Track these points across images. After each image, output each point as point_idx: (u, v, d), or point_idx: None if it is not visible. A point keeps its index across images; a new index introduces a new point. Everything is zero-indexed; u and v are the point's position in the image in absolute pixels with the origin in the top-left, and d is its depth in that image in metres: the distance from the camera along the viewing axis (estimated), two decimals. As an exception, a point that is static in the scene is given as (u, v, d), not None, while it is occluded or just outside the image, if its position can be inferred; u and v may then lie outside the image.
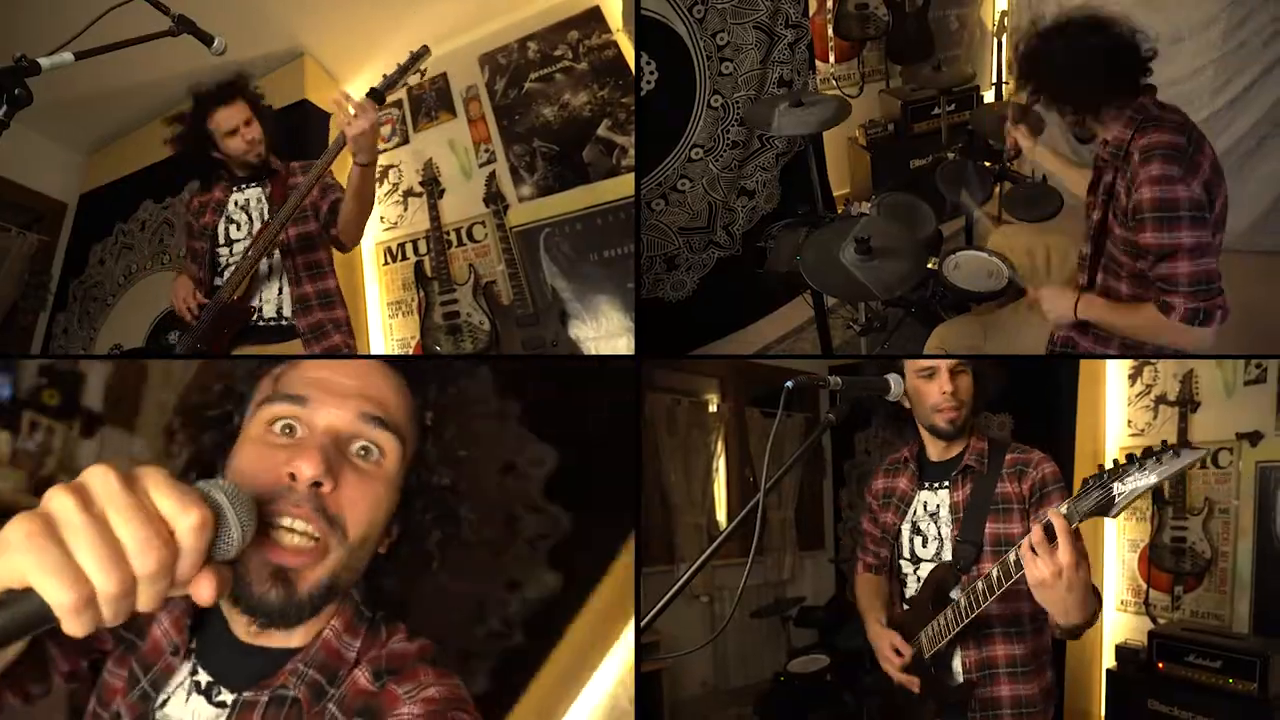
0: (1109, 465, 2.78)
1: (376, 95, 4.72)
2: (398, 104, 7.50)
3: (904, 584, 3.89)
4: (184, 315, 5.18)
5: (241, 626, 2.22)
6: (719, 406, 8.29)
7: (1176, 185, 3.67)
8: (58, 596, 1.38)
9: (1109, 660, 6.03)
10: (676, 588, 2.69)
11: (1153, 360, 6.10)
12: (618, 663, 4.09)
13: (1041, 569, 2.84)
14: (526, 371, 4.55)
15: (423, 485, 2.40)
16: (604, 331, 6.45)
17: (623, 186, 6.45)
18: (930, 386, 3.70)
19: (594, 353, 6.41)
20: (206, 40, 4.54)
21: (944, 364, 3.73)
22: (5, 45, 3.70)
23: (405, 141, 7.49)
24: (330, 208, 5.16)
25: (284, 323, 5.21)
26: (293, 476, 2.07)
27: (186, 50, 4.48)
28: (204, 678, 2.23)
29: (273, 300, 5.23)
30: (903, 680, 3.72)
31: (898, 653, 3.75)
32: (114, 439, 5.93)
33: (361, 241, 5.68)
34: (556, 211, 6.73)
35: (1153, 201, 3.71)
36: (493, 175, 6.96)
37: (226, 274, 5.18)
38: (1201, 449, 2.63)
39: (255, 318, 5.22)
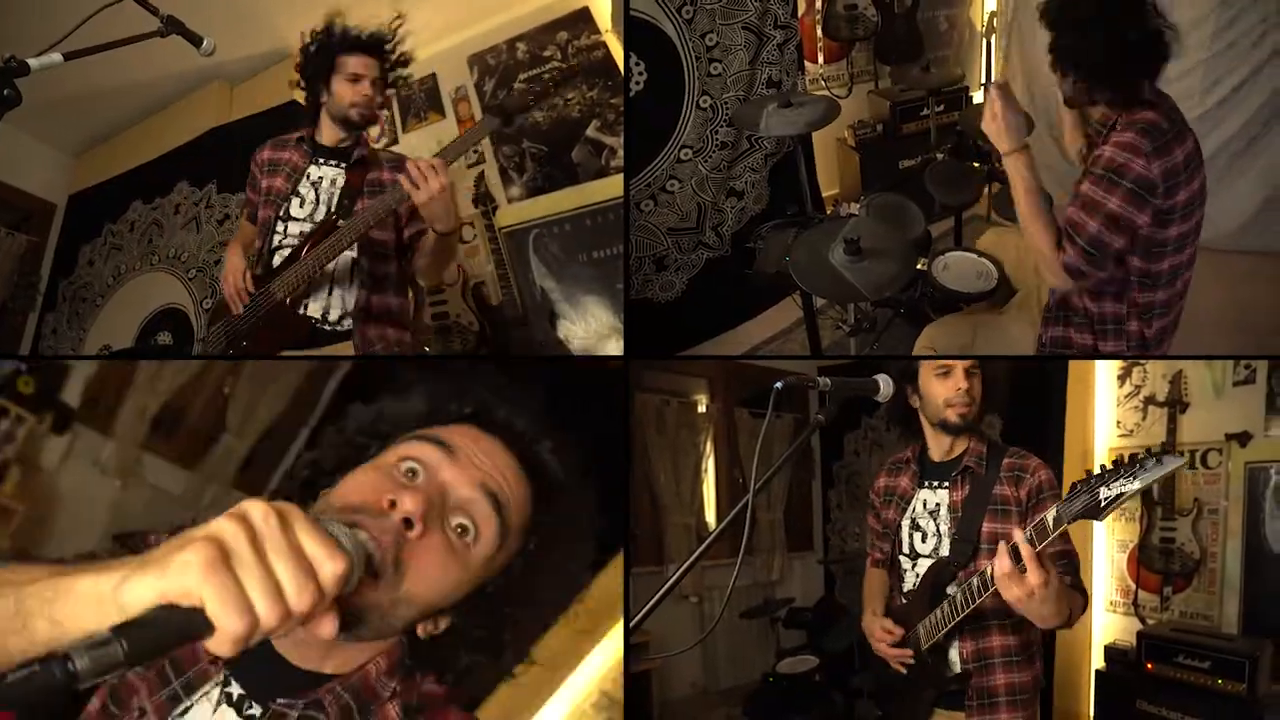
0: (1097, 466, 2.84)
1: (447, 154, 4.45)
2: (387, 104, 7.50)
3: (902, 578, 3.95)
4: (232, 302, 4.78)
5: (284, 641, 2.19)
6: (708, 407, 8.30)
7: (1136, 158, 3.72)
8: (230, 625, 1.49)
9: (1098, 661, 6.03)
10: (665, 588, 2.68)
11: (1142, 361, 6.10)
12: (604, 660, 4.09)
13: (1014, 591, 2.99)
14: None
15: (491, 602, 2.32)
16: (593, 332, 6.46)
17: (612, 187, 6.46)
18: (946, 383, 3.78)
19: (583, 353, 6.41)
20: (195, 41, 4.53)
21: (960, 363, 3.81)
22: (-6, 46, 3.70)
23: (394, 142, 7.49)
24: (413, 237, 4.84)
25: (341, 327, 4.79)
26: (392, 504, 2.07)
27: (175, 51, 4.47)
28: (236, 690, 2.19)
29: (321, 301, 4.79)
30: (894, 655, 3.80)
31: (889, 633, 3.82)
32: (86, 439, 5.91)
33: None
34: (545, 212, 6.74)
35: (1108, 161, 3.78)
36: (481, 176, 6.96)
37: (279, 253, 4.81)
38: (1182, 457, 2.72)
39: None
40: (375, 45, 4.96)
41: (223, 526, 1.56)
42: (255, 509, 1.59)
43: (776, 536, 8.65)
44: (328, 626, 1.70)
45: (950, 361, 3.81)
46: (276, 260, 4.78)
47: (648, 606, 2.67)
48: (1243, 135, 6.49)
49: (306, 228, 4.79)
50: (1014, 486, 3.70)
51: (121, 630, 1.45)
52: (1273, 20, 6.31)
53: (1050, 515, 2.99)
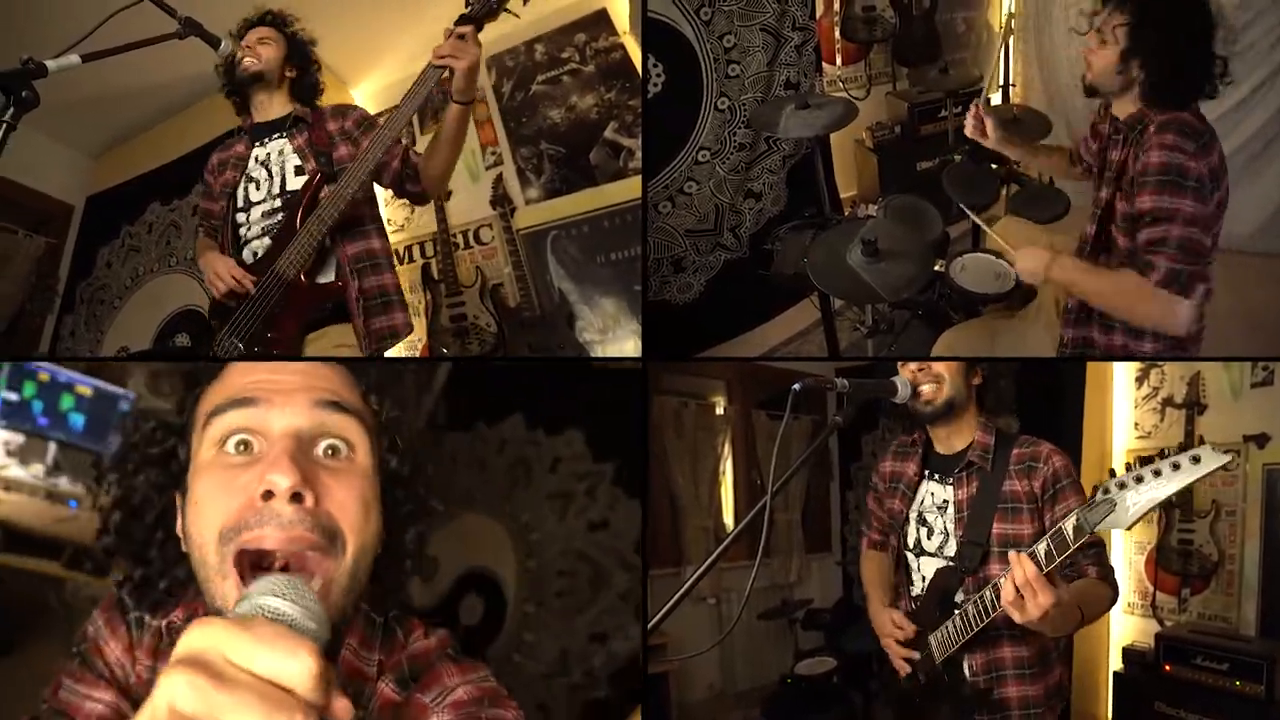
0: (1119, 468, 2.72)
1: (476, 22, 4.51)
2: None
3: (910, 577, 3.85)
4: (224, 291, 4.55)
5: None
6: (726, 409, 8.29)
7: (1187, 157, 3.66)
8: None
9: (1116, 663, 6.02)
10: (684, 590, 2.69)
11: (1160, 363, 6.09)
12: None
13: (1022, 615, 2.90)
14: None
15: (393, 479, 2.19)
16: (611, 334, 6.46)
17: (629, 189, 6.46)
18: (905, 372, 3.64)
19: (601, 355, 6.42)
20: (213, 43, 4.54)
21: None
22: (12, 48, 3.71)
23: (412, 144, 7.49)
24: (402, 161, 4.84)
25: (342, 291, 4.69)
26: (268, 495, 1.88)
27: (193, 53, 4.48)
28: None
29: (332, 271, 4.71)
30: (901, 654, 3.73)
31: (900, 630, 3.73)
32: None
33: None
34: (563, 214, 6.74)
35: (1160, 165, 3.69)
36: (500, 178, 6.97)
37: (253, 243, 4.72)
38: (1223, 455, 2.56)
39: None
40: (264, 19, 5.13)
41: (172, 696, 1.21)
42: (178, 690, 1.21)
43: (794, 538, 8.64)
44: (341, 710, 1.34)
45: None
46: (247, 253, 4.73)
47: (666, 608, 2.68)
48: (1260, 137, 6.48)
49: (270, 205, 4.78)
50: (1025, 479, 3.53)
51: None
52: (1292, 22, 6.31)
53: (1070, 524, 2.84)
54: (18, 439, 6.18)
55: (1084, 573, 3.37)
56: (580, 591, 4.25)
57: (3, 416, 6.10)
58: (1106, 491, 2.74)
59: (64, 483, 6.19)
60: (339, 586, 1.93)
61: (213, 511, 1.92)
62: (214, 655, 1.25)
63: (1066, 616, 2.99)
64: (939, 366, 3.64)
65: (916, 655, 3.67)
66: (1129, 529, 2.77)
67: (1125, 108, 4.01)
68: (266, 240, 4.69)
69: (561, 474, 4.38)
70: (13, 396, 6.11)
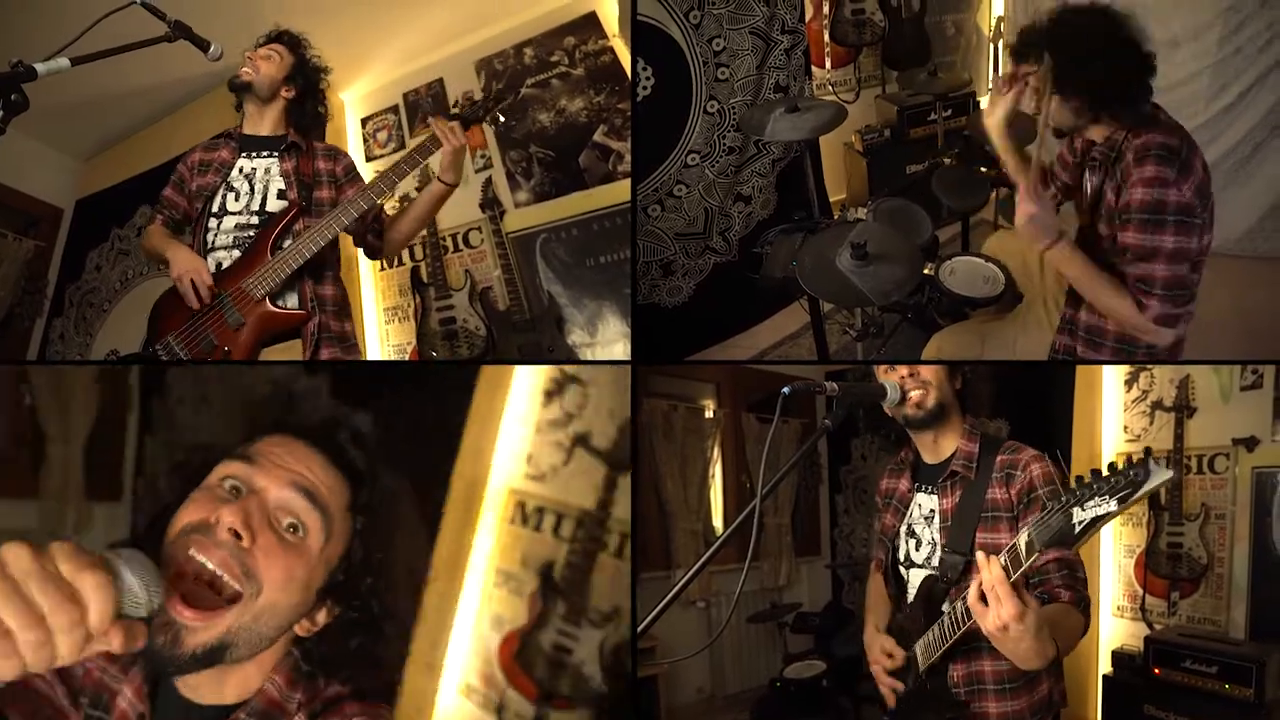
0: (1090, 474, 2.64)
1: (462, 122, 4.84)
2: (394, 109, 7.50)
3: (903, 590, 3.77)
4: (189, 297, 4.66)
5: (180, 682, 2.44)
6: (715, 412, 8.30)
7: (1168, 188, 3.70)
8: None
9: (1105, 666, 6.03)
10: (673, 593, 2.69)
11: (1149, 366, 6.10)
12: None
13: (988, 622, 2.79)
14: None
15: (351, 586, 2.54)
16: (600, 337, 6.46)
17: (619, 192, 6.45)
18: (891, 375, 3.59)
19: (590, 358, 6.42)
20: (203, 46, 4.54)
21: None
22: (1, 51, 3.71)
23: (401, 147, 7.48)
24: (374, 218, 5.04)
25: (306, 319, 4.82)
26: (218, 522, 2.28)
27: (183, 56, 4.48)
28: None
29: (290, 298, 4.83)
30: (886, 684, 3.66)
31: (890, 657, 3.64)
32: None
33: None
34: (553, 217, 6.73)
35: (1142, 203, 3.74)
36: (489, 181, 6.96)
37: (219, 253, 4.83)
38: (1168, 471, 2.49)
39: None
40: (272, 36, 5.20)
41: None
42: (9, 549, 1.79)
43: (784, 541, 8.64)
44: (115, 640, 1.87)
45: None
46: (210, 260, 4.79)
47: (655, 611, 2.68)
48: (1248, 141, 6.50)
49: (244, 220, 4.85)
50: (1005, 487, 3.46)
51: None
52: (1278, 26, 6.31)
53: (1023, 540, 2.73)
54: None
55: (1056, 596, 3.29)
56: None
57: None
58: (1059, 507, 2.64)
59: None
60: (239, 619, 2.29)
61: (188, 514, 2.34)
62: (50, 549, 1.83)
63: (1036, 639, 2.79)
64: (926, 372, 3.59)
65: (902, 686, 3.60)
66: (1075, 547, 2.64)
67: (1098, 131, 4.05)
68: (236, 253, 4.78)
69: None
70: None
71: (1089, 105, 3.93)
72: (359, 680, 2.60)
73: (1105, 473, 2.56)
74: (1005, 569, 2.75)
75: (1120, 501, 2.49)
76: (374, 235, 5.07)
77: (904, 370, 3.60)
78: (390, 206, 5.36)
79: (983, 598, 2.79)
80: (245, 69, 4.97)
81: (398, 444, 2.82)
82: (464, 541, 4.45)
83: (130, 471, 5.61)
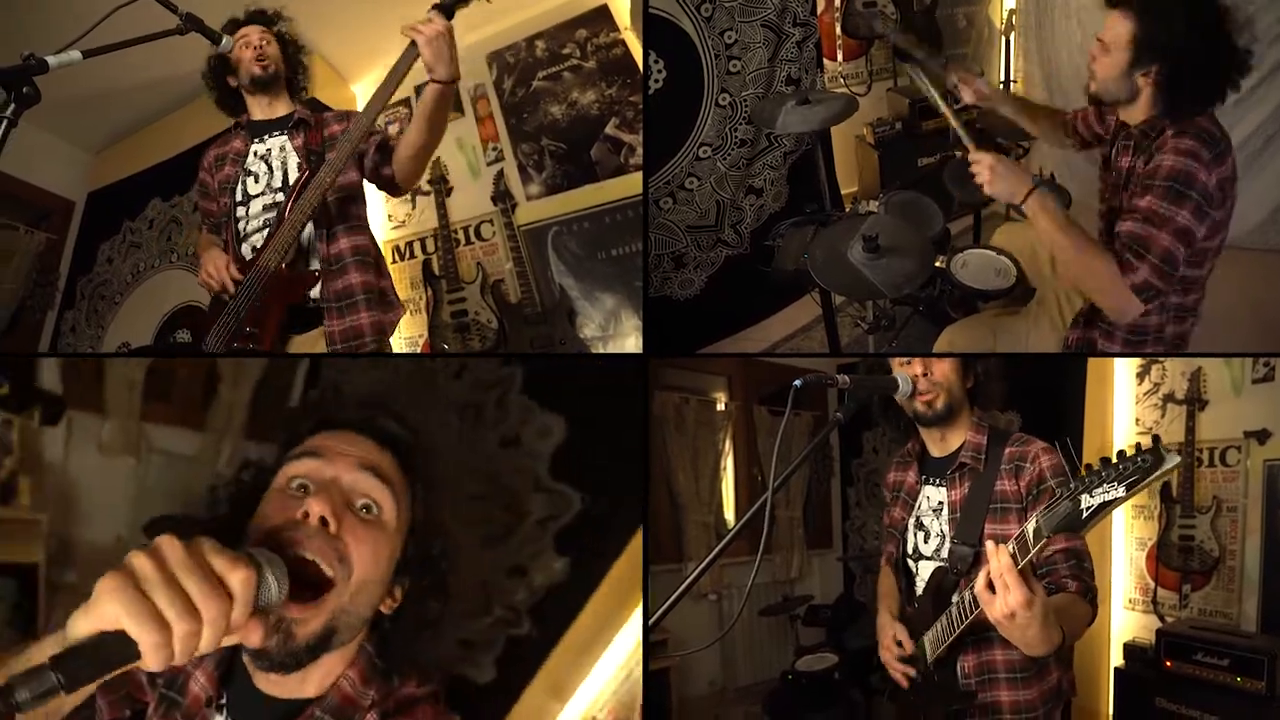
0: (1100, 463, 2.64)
1: (446, 10, 4.51)
2: (405, 102, 7.50)
3: (912, 582, 3.78)
4: (216, 288, 4.64)
5: (260, 677, 2.48)
6: (727, 405, 8.29)
7: (1199, 166, 3.64)
8: (145, 636, 1.78)
9: (1117, 658, 6.02)
10: (685, 586, 2.69)
11: (1160, 359, 6.09)
12: (624, 650, 4.08)
13: (995, 610, 2.78)
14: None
15: (420, 554, 2.64)
16: (612, 330, 6.46)
17: (630, 185, 6.46)
18: (906, 371, 3.59)
19: (602, 351, 6.42)
20: (214, 39, 4.56)
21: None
22: (13, 44, 3.71)
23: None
24: (378, 148, 4.87)
25: (311, 304, 4.75)
26: (305, 516, 2.37)
27: (194, 49, 4.49)
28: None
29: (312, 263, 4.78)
30: (898, 670, 3.66)
31: (899, 645, 3.66)
32: (82, 423, 5.88)
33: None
34: (564, 210, 6.74)
35: (1171, 170, 3.67)
36: (501, 174, 6.97)
37: (252, 238, 4.78)
38: (1176, 457, 2.48)
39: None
40: (253, 16, 5.11)
41: (133, 558, 1.86)
42: (163, 540, 1.90)
43: (795, 534, 8.64)
44: (254, 633, 2.06)
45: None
46: (246, 248, 4.76)
47: (667, 604, 2.68)
48: (1260, 134, 6.48)
49: (269, 200, 4.81)
50: (1014, 479, 3.47)
51: (57, 660, 1.72)
52: (1290, 18, 6.30)
53: (1030, 527, 2.74)
54: None
55: (1063, 586, 3.29)
56: (494, 521, 4.18)
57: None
58: (1067, 494, 2.65)
59: None
60: (339, 602, 2.38)
61: (266, 520, 2.41)
62: (194, 544, 1.94)
63: (1043, 627, 2.79)
64: (939, 372, 3.60)
65: (913, 671, 3.60)
66: (1082, 533, 2.68)
67: (1135, 115, 3.96)
68: (265, 231, 4.73)
69: (466, 382, 4.28)
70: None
71: (1163, 85, 3.82)
72: (430, 672, 2.70)
73: (1114, 460, 2.58)
74: (1013, 556, 2.75)
75: (1129, 488, 2.51)
76: (385, 166, 4.87)
77: (919, 367, 3.59)
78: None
79: (991, 586, 2.78)
80: (257, 62, 4.93)
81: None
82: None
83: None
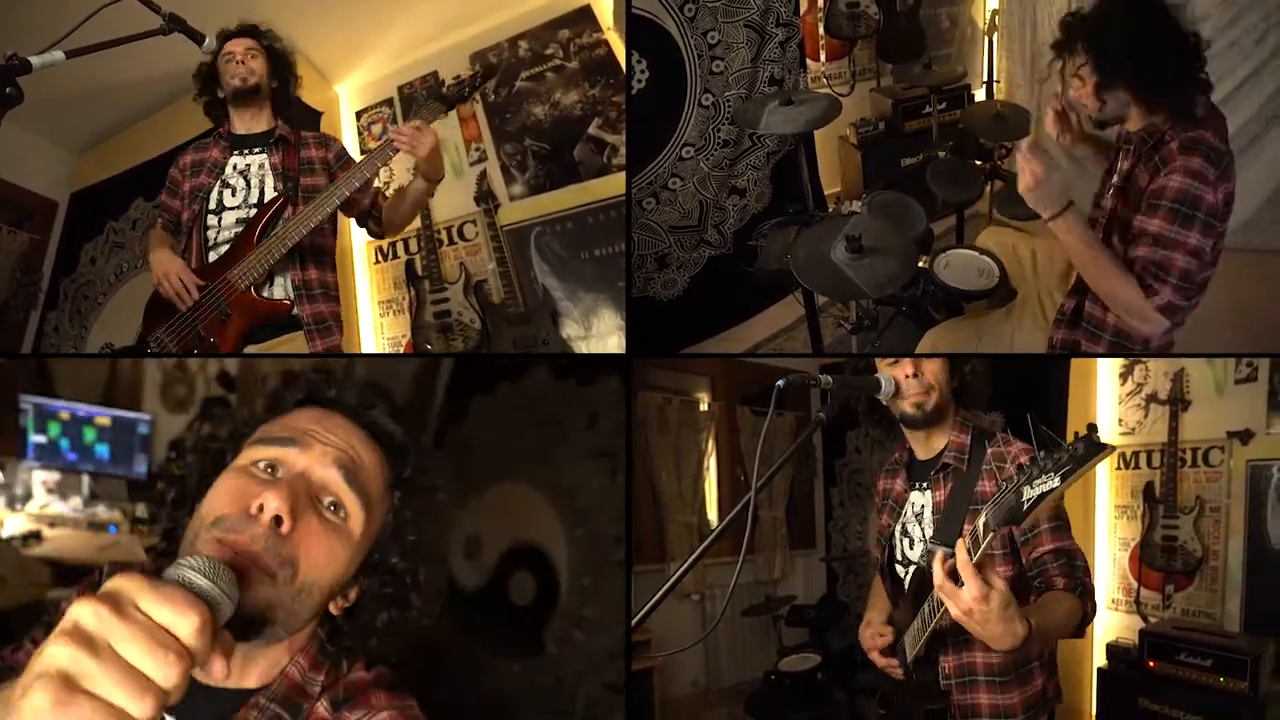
0: (1098, 465, 2.63)
1: (448, 103, 4.90)
2: (388, 102, 7.50)
3: (902, 588, 3.74)
4: (174, 298, 4.70)
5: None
6: (710, 405, 8.31)
7: (1206, 188, 3.71)
8: None
9: (1100, 659, 6.04)
10: (667, 586, 2.68)
11: (1144, 359, 6.10)
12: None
13: (955, 607, 2.74)
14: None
15: (383, 562, 2.45)
16: (595, 330, 6.46)
17: (614, 185, 6.46)
18: (895, 372, 3.59)
19: (584, 351, 6.42)
20: (197, 39, 4.55)
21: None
22: (-4, 43, 3.70)
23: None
24: (372, 200, 5.13)
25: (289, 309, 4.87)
26: (260, 510, 2.15)
27: (177, 49, 4.48)
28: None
29: (278, 287, 4.90)
30: (881, 664, 3.66)
31: (880, 636, 3.65)
32: None
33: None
34: (547, 210, 6.74)
35: (1179, 191, 3.73)
36: (484, 174, 6.97)
37: (221, 247, 4.84)
38: (1109, 446, 2.48)
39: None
40: (248, 30, 5.17)
41: (56, 653, 1.47)
42: (83, 612, 1.51)
43: (778, 534, 8.66)
44: (218, 669, 1.69)
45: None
46: (213, 255, 4.83)
47: (649, 604, 2.68)
48: (1245, 134, 6.49)
49: (244, 214, 4.89)
50: (993, 480, 3.44)
51: None
52: (1274, 18, 6.32)
53: (980, 520, 2.70)
54: (53, 476, 6.83)
55: (1051, 584, 3.27)
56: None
57: (36, 459, 6.67)
58: (1011, 486, 2.61)
59: (102, 510, 6.80)
60: (280, 605, 2.16)
61: (218, 502, 2.19)
62: (124, 596, 1.56)
63: (1004, 621, 2.72)
64: (929, 373, 3.60)
65: (896, 663, 3.59)
66: (1022, 524, 2.57)
67: (1136, 120, 4.03)
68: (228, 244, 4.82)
69: (601, 430, 4.30)
70: (41, 439, 6.67)
71: (1135, 92, 3.93)
72: (384, 656, 2.51)
73: (1053, 451, 2.55)
74: (969, 551, 2.73)
75: (1063, 478, 2.47)
76: (374, 222, 5.15)
77: (909, 368, 3.59)
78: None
79: (955, 581, 2.76)
80: (239, 74, 4.99)
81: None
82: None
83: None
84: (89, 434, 6.82)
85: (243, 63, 5.00)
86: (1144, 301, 3.79)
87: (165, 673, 1.51)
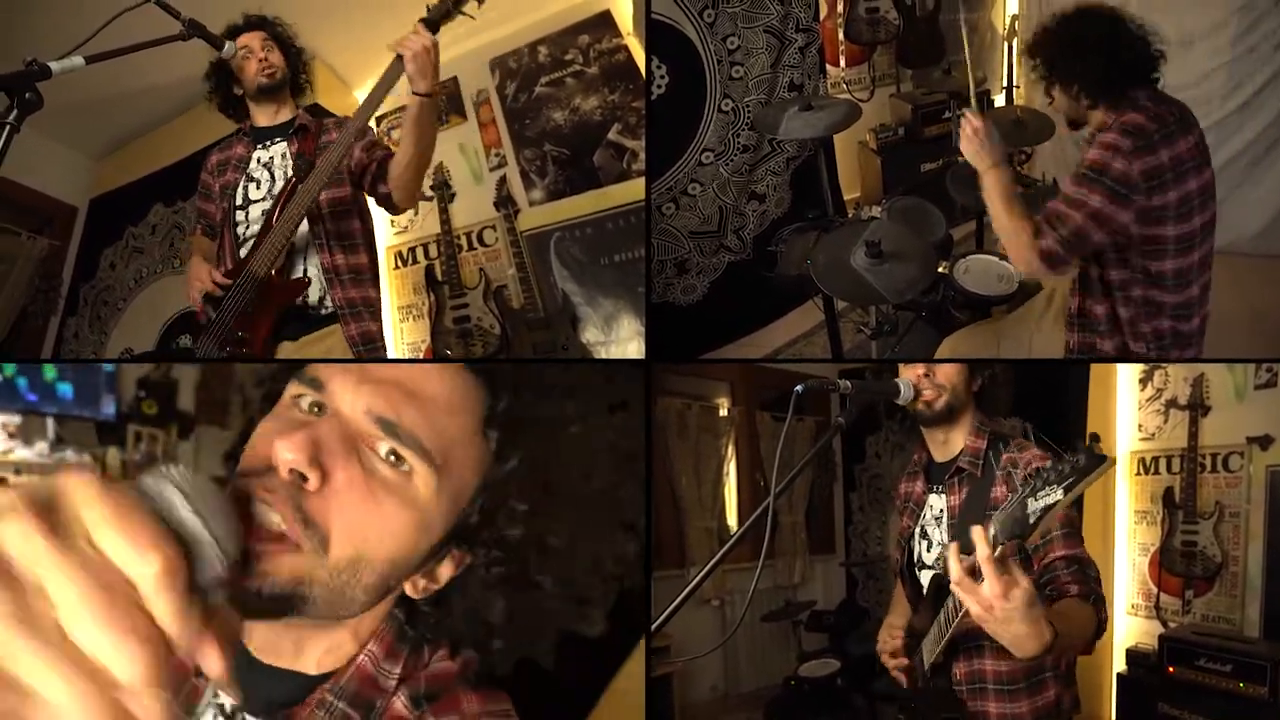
0: (1118, 470, 2.67)
1: (432, 25, 4.63)
2: (404, 109, 7.52)
3: (920, 591, 3.74)
4: (199, 298, 4.63)
5: (253, 641, 1.86)
6: (729, 410, 8.30)
7: (1117, 157, 3.91)
8: None
9: (1120, 664, 6.03)
10: (687, 591, 2.69)
11: (1163, 364, 6.09)
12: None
13: (974, 605, 2.63)
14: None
15: (487, 528, 1.91)
16: (615, 335, 6.46)
17: (633, 190, 6.46)
18: (908, 373, 3.62)
19: (604, 357, 6.42)
20: (217, 44, 4.55)
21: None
22: (16, 49, 3.71)
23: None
24: (379, 165, 4.84)
25: (324, 310, 4.79)
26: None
27: (197, 54, 4.50)
28: (228, 702, 1.86)
29: (299, 271, 4.81)
30: (891, 665, 3.69)
31: (892, 637, 3.70)
32: (209, 436, 6.09)
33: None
34: (567, 215, 6.74)
35: (1090, 161, 4.00)
36: (503, 179, 6.97)
37: (250, 242, 4.77)
38: (1107, 458, 2.46)
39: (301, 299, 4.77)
40: (257, 23, 5.12)
41: None
42: (8, 533, 1.01)
43: (798, 539, 8.64)
44: (211, 661, 1.14)
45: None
46: (244, 251, 4.78)
47: (669, 610, 2.68)
48: (1263, 140, 6.49)
49: (268, 206, 4.82)
50: (1007, 485, 3.38)
51: None
52: (1294, 23, 6.31)
53: (991, 532, 2.57)
54: (14, 420, 6.30)
55: (1064, 591, 3.22)
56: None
57: (-6, 401, 6.16)
58: (1018, 499, 2.55)
59: (70, 456, 6.37)
60: (316, 582, 1.67)
61: (248, 452, 1.75)
62: (68, 510, 1.06)
63: (1028, 622, 2.61)
64: (943, 374, 3.61)
65: (905, 662, 3.61)
66: (1027, 538, 2.51)
67: (1097, 117, 4.23)
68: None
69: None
70: (-6, 379, 6.15)
71: (1086, 93, 4.17)
72: (476, 645, 1.98)
73: (1055, 464, 2.52)
74: (989, 545, 2.62)
75: (1065, 490, 2.44)
76: (381, 183, 4.84)
77: (920, 370, 3.60)
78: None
79: (975, 576, 2.63)
80: (263, 71, 4.96)
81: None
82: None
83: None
84: (49, 371, 6.46)
85: (265, 59, 4.97)
86: (1029, 240, 4.09)
87: (124, 662, 1.00)
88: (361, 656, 1.88)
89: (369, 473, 1.73)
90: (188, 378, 6.25)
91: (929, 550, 3.74)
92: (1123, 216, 3.94)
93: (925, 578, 3.70)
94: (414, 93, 4.54)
